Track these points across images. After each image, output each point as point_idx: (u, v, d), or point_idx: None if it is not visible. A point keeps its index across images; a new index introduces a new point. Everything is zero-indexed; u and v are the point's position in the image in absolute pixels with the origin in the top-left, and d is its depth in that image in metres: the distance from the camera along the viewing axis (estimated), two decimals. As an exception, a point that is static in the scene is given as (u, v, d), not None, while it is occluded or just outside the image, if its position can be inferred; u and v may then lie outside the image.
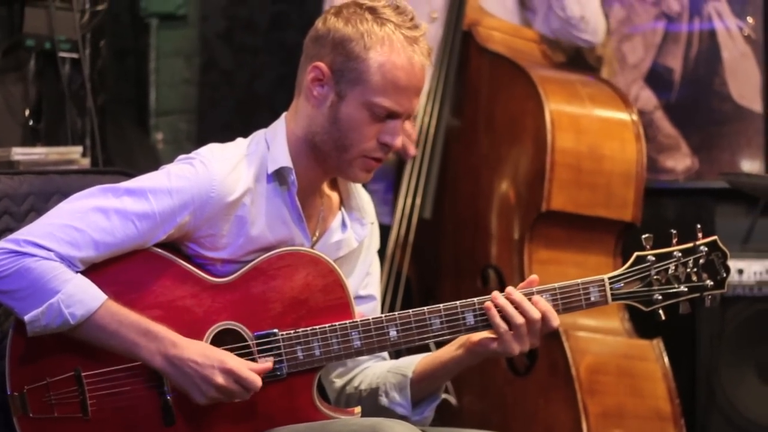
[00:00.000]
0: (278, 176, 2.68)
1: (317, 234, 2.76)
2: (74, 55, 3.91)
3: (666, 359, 3.93)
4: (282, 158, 2.67)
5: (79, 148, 3.70)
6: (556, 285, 2.65)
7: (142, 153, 5.04)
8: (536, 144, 3.94)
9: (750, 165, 4.60)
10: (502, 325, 2.61)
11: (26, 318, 2.55)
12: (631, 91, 4.66)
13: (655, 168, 4.62)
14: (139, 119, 5.22)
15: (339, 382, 2.88)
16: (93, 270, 2.60)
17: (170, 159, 2.77)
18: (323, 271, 2.68)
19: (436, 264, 4.20)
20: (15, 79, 3.89)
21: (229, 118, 5.23)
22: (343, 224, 2.79)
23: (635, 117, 4.08)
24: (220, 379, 2.55)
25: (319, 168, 2.71)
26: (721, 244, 2.66)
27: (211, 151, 2.68)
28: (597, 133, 4.02)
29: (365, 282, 2.87)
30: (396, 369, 2.80)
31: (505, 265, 3.98)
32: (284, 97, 4.91)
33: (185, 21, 5.23)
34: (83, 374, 2.62)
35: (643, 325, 3.96)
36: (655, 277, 2.65)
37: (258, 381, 2.58)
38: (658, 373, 3.94)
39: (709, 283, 2.66)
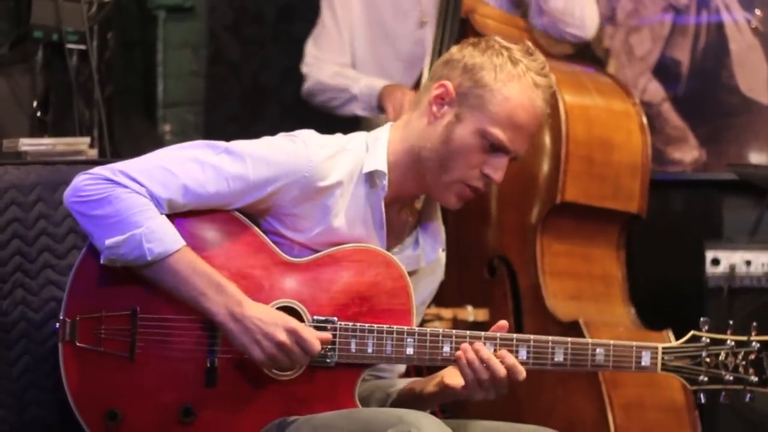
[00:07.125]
0: (370, 179, 2.73)
1: (394, 247, 2.79)
2: (82, 47, 3.91)
3: None
4: (379, 162, 2.71)
5: (87, 139, 3.70)
6: (611, 342, 2.69)
7: (150, 144, 5.03)
8: (551, 135, 3.93)
9: (758, 157, 4.60)
10: (470, 374, 2.65)
11: (106, 242, 2.56)
12: (638, 83, 4.66)
13: (662, 160, 4.62)
14: (147, 111, 5.23)
15: None
16: (173, 220, 2.62)
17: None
18: (393, 275, 2.71)
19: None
20: (22, 71, 3.90)
21: (236, 110, 5.22)
22: (416, 242, 2.83)
23: (638, 107, 4.07)
24: (282, 336, 2.57)
25: (413, 182, 2.75)
26: None
27: (312, 134, 2.72)
28: (605, 124, 4.01)
29: (420, 310, 2.88)
30: (381, 386, 2.84)
31: (514, 256, 3.97)
32: (291, 90, 4.95)
33: (193, 13, 5.24)
34: (140, 315, 2.63)
35: (650, 316, 3.96)
36: (705, 359, 2.70)
37: (318, 346, 2.60)
38: None
39: (754, 379, 2.69)
